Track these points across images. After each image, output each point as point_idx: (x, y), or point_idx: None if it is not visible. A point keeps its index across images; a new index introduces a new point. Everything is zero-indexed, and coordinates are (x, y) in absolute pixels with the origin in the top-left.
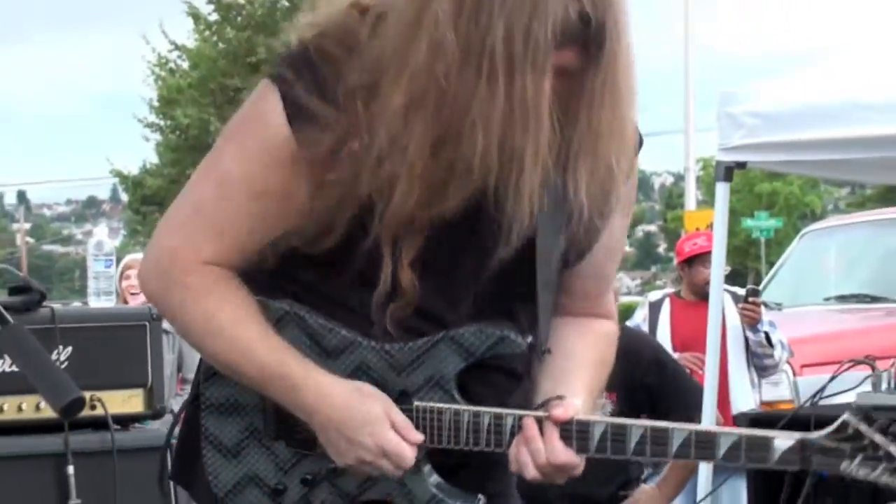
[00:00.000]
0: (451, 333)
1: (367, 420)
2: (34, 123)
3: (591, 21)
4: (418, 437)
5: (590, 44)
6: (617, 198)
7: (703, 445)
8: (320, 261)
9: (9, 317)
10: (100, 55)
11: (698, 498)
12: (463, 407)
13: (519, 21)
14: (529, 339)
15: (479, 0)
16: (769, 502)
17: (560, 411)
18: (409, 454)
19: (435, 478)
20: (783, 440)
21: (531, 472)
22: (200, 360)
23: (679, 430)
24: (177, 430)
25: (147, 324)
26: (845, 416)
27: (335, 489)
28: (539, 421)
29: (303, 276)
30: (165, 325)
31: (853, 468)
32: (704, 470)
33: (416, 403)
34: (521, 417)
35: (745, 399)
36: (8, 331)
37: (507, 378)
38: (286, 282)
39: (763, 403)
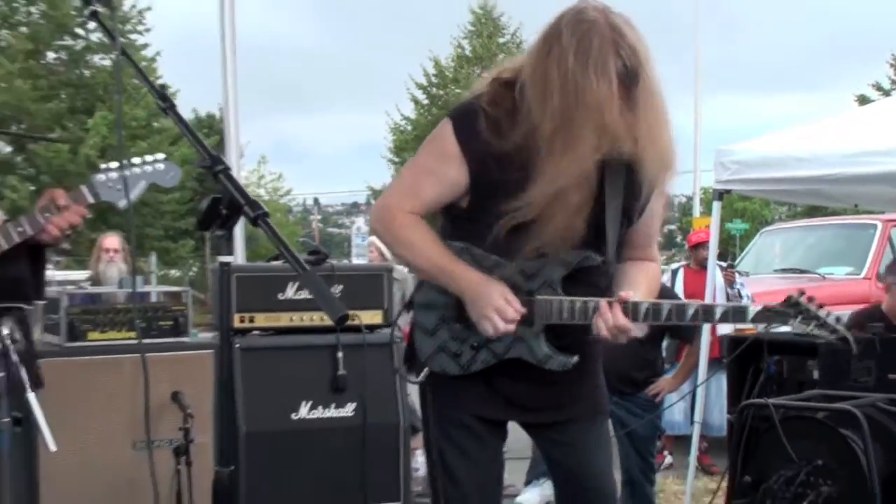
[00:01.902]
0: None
1: (491, 295)
2: (325, 158)
3: (630, 67)
4: (521, 308)
5: (630, 80)
6: (661, 182)
7: (707, 312)
8: (483, 221)
9: (307, 266)
10: (360, 120)
11: (698, 382)
12: (564, 297)
13: (600, 72)
14: (602, 258)
15: (577, 65)
16: (739, 389)
17: (622, 294)
18: (514, 315)
19: (547, 342)
20: (755, 307)
21: (603, 332)
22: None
23: (691, 304)
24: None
25: (384, 273)
26: (790, 294)
27: (490, 351)
28: (610, 303)
29: (468, 228)
30: (395, 275)
31: (796, 325)
32: (701, 367)
33: (536, 297)
34: (598, 301)
35: (726, 328)
36: (306, 274)
37: (597, 290)
38: (462, 232)
39: (736, 331)
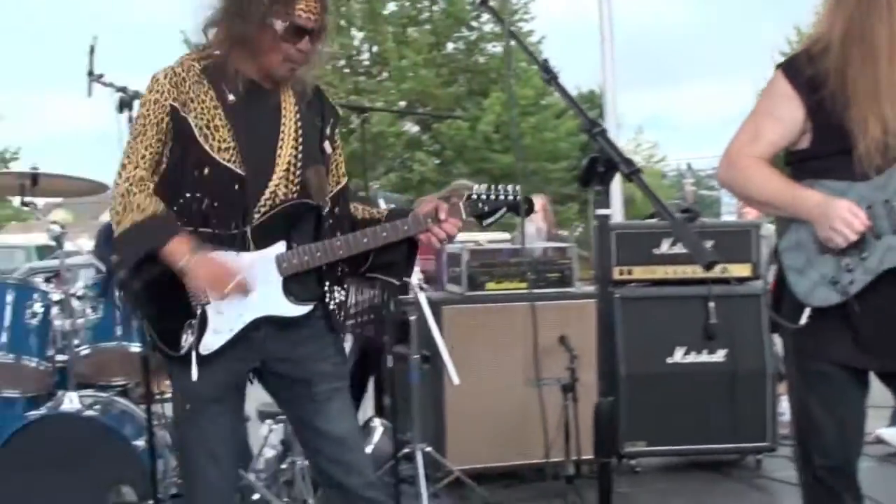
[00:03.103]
0: None
1: (836, 209)
2: (694, 127)
3: None
4: (865, 220)
5: None
6: None
7: None
8: (829, 152)
9: (675, 216)
10: (724, 89)
11: None
12: None
13: None
14: None
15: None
16: None
17: None
18: (860, 226)
19: None
20: None
21: None
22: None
23: None
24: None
25: (752, 229)
26: None
27: (865, 268)
28: None
29: (815, 168)
30: (762, 232)
31: None
32: None
33: (892, 203)
34: None
35: None
36: (676, 223)
37: None
38: (809, 175)
39: None
